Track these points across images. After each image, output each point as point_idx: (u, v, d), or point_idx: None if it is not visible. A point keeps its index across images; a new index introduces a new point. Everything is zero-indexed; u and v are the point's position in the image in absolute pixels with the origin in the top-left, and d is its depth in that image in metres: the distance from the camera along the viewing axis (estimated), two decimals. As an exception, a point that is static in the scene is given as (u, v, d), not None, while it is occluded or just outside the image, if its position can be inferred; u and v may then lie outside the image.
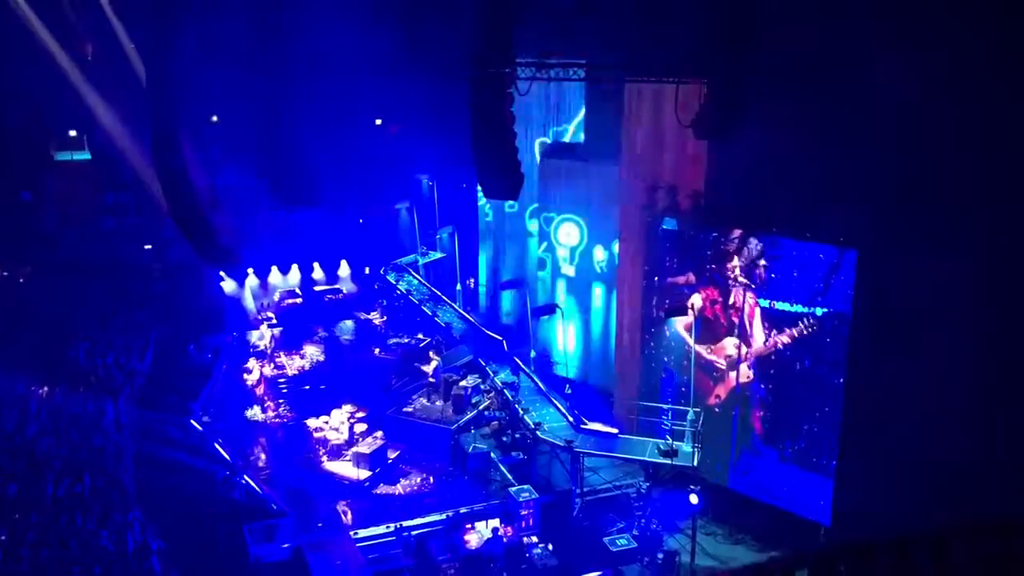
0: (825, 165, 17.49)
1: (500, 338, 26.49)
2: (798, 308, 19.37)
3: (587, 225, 26.03)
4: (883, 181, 17.06)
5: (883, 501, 18.26)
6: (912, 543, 4.32)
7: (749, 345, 20.18)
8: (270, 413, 24.84)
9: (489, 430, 23.59)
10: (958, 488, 17.13)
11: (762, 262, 19.52)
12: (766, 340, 19.92)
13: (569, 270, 26.47)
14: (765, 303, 19.91)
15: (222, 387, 26.27)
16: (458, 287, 30.38)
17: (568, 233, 26.48)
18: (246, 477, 21.03)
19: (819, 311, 18.97)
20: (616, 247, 24.62)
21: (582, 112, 26.89)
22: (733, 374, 20.62)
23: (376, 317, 30.92)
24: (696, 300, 20.81)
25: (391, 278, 31.24)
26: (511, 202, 28.35)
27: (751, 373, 20.38)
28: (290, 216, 14.26)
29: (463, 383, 24.45)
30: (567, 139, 27.49)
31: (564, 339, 26.36)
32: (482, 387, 24.60)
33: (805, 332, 19.19)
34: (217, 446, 22.54)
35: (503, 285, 28.96)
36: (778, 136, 18.00)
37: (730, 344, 20.54)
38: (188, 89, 19.25)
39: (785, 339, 19.59)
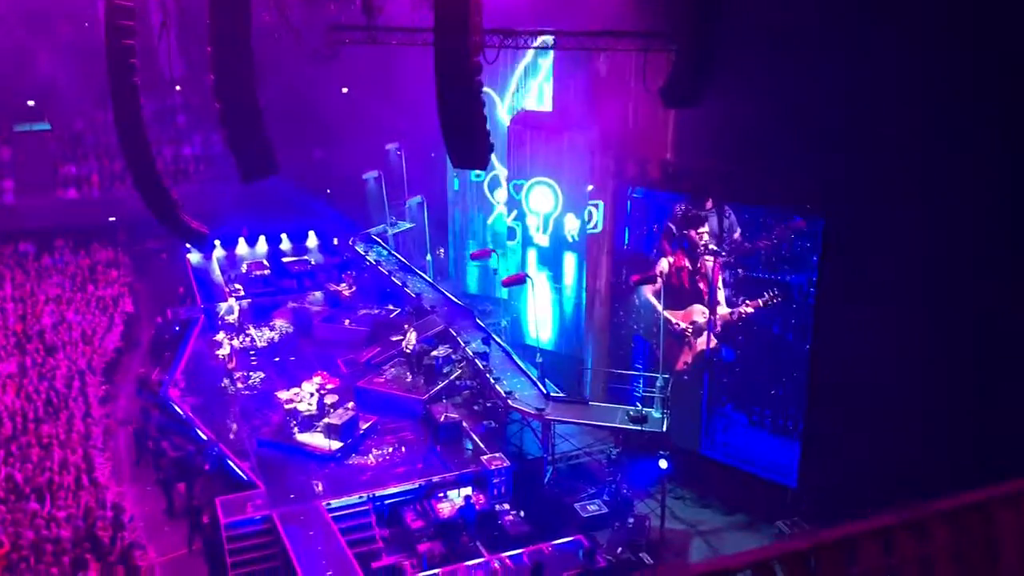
0: (791, 132, 17.62)
1: (469, 307, 26.52)
2: (764, 275, 19.62)
3: (560, 191, 25.93)
4: (849, 147, 17.23)
5: (849, 464, 18.67)
6: (891, 529, 4.38)
7: (715, 312, 20.41)
8: (240, 385, 24.72)
9: (461, 399, 23.68)
10: (924, 452, 17.54)
11: (736, 233, 19.67)
12: (732, 309, 20.16)
13: (541, 239, 26.44)
14: (732, 271, 20.13)
15: (192, 359, 26.12)
16: (428, 257, 30.30)
17: (541, 199, 26.38)
18: (218, 448, 21.01)
19: (786, 278, 19.21)
20: (586, 215, 24.68)
21: (550, 80, 26.76)
22: (700, 340, 20.87)
23: (345, 288, 30.77)
24: (664, 265, 20.99)
25: (360, 248, 31.07)
26: (479, 171, 28.31)
27: (715, 341, 20.65)
28: (256, 186, 14.12)
29: (434, 353, 24.46)
30: (535, 108, 27.37)
31: (535, 309, 26.41)
32: (453, 357, 24.64)
33: (771, 303, 19.44)
34: (189, 417, 22.53)
35: (472, 255, 28.91)
36: (745, 104, 18.10)
37: (697, 311, 20.77)
38: (152, 57, 18.97)
39: (749, 309, 19.84)
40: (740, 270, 20.00)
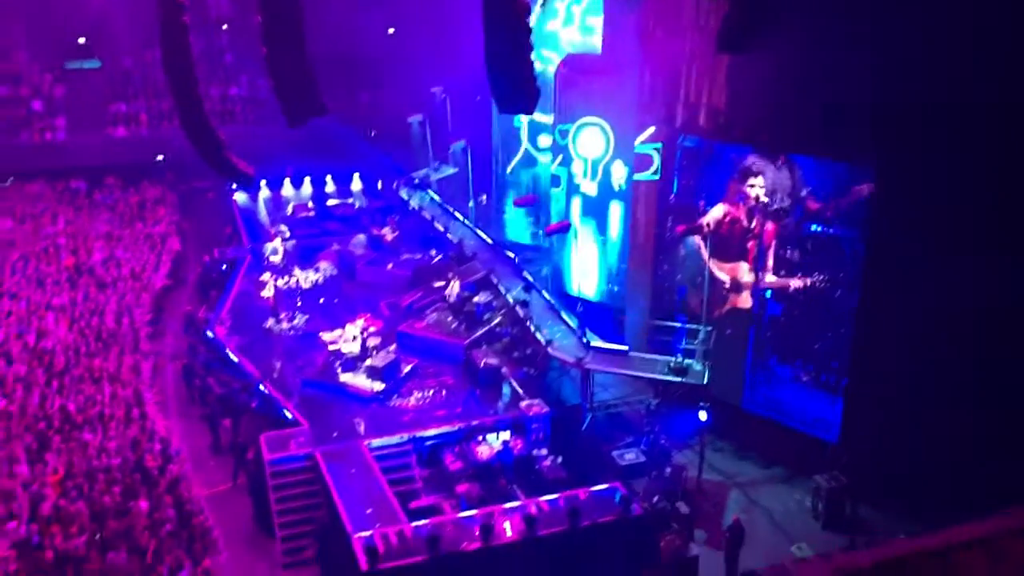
0: (847, 82, 17.11)
1: (512, 255, 26.48)
2: (811, 230, 19.32)
3: (611, 132, 25.31)
4: (902, 97, 16.72)
5: (891, 422, 18.50)
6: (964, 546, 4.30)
7: (763, 272, 20.15)
8: (285, 325, 25.08)
9: (501, 346, 23.79)
10: (971, 413, 17.32)
11: (804, 192, 19.26)
12: (780, 280, 19.85)
13: (589, 187, 25.93)
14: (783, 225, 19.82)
15: (238, 298, 26.55)
16: (471, 203, 30.21)
17: (590, 142, 25.84)
18: (263, 386, 21.43)
19: (836, 232, 18.88)
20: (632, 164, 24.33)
21: (601, 24, 26.19)
22: (742, 296, 20.63)
23: (388, 232, 30.89)
24: (717, 211, 20.69)
25: (403, 193, 31.08)
26: (525, 116, 28.00)
27: (751, 300, 20.44)
28: (303, 129, 14.11)
29: (475, 299, 24.55)
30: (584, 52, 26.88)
31: (578, 257, 26.26)
32: (494, 304, 24.71)
33: (818, 284, 19.16)
34: (234, 355, 22.97)
35: (516, 202, 28.79)
36: (801, 51, 17.59)
37: (743, 269, 20.49)
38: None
39: (798, 283, 19.55)
40: (790, 221, 19.67)
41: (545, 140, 28.63)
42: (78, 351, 21.91)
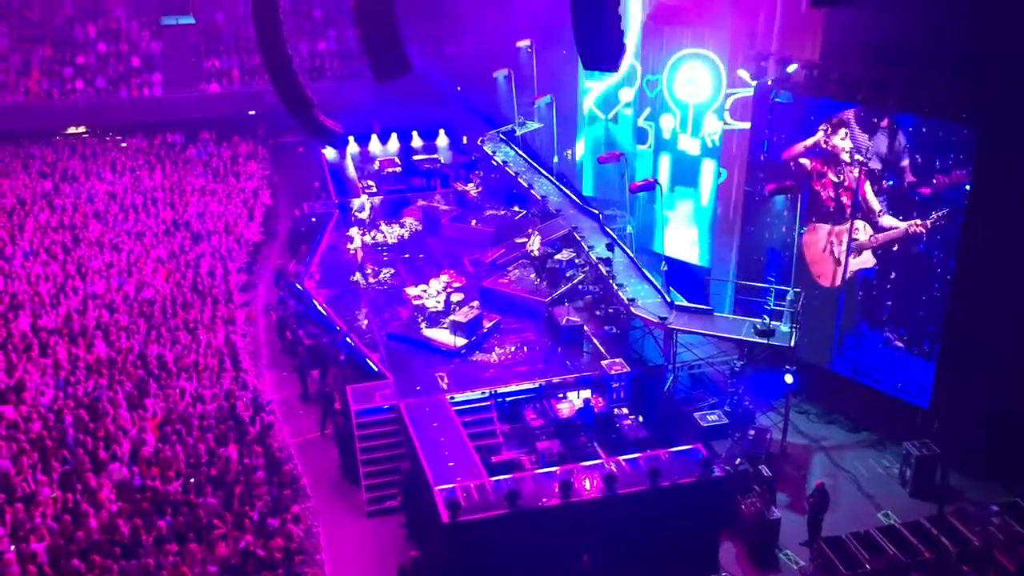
0: (948, 36, 16.28)
1: (596, 211, 26.26)
2: (910, 189, 18.55)
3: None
4: (1007, 56, 15.83)
5: (985, 389, 17.87)
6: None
7: (871, 224, 19.43)
8: (371, 280, 25.53)
9: (583, 304, 23.75)
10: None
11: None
12: (906, 223, 19.03)
13: (687, 142, 25.03)
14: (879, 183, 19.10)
15: (327, 253, 27.11)
16: (555, 159, 29.99)
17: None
18: (350, 339, 21.91)
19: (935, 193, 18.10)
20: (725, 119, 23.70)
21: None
22: (856, 260, 19.96)
23: (472, 188, 30.96)
24: (805, 163, 20.07)
25: (488, 148, 31.05)
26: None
27: (874, 260, 19.73)
28: (389, 84, 14.17)
29: (558, 256, 24.49)
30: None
31: (662, 216, 25.86)
32: (577, 261, 24.62)
33: (939, 223, 18.32)
34: (323, 308, 23.52)
35: (600, 159, 28.41)
36: (899, 6, 16.79)
37: (859, 225, 19.73)
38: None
39: (920, 229, 18.72)
40: (886, 183, 18.94)
41: (627, 94, 28.08)
42: (175, 302, 22.73)
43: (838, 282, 20.50)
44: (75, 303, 22.36)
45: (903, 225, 18.93)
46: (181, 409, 18.32)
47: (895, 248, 19.19)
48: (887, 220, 19.29)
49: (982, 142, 17.11)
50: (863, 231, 19.73)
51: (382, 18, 13.63)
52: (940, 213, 18.15)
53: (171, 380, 19.45)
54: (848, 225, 19.92)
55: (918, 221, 18.60)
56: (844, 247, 20.10)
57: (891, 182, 18.78)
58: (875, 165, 19.01)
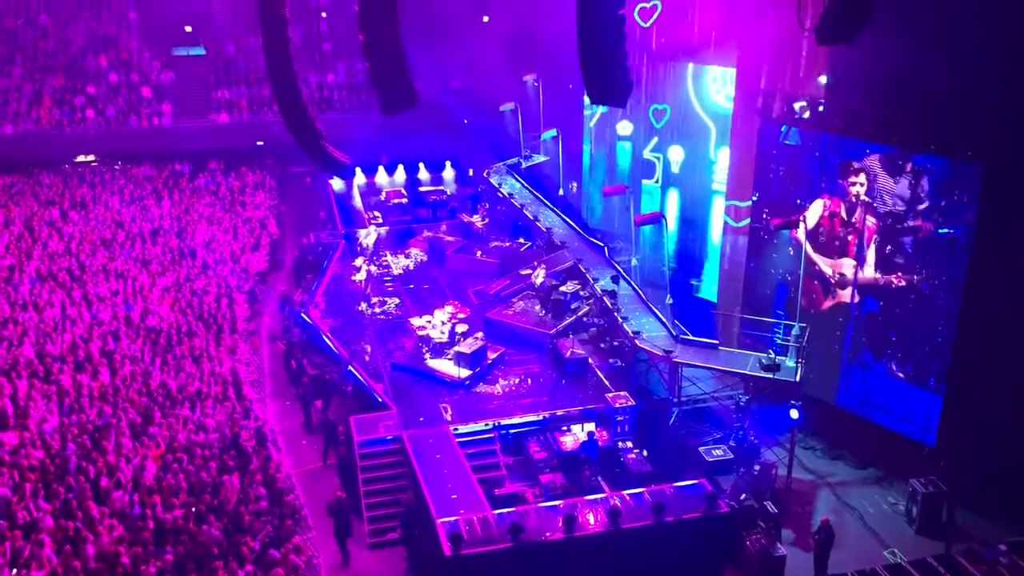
0: (949, 75, 16.42)
1: (602, 244, 26.32)
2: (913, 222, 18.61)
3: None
4: (1013, 94, 15.95)
5: (991, 426, 17.76)
6: None
7: (862, 267, 19.54)
8: (376, 310, 25.55)
9: (588, 336, 23.72)
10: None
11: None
12: (883, 276, 19.15)
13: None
14: (884, 221, 19.14)
15: (332, 282, 27.17)
16: (560, 191, 30.14)
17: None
18: (354, 369, 21.88)
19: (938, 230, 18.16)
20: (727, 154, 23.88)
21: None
22: (845, 292, 20.03)
23: (478, 220, 31.10)
24: (816, 207, 20.15)
25: (494, 180, 31.22)
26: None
27: (858, 296, 19.81)
28: (397, 117, 14.31)
29: (563, 288, 24.52)
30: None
31: (668, 249, 25.92)
32: (582, 293, 24.63)
33: (923, 281, 18.45)
34: (327, 338, 23.52)
35: (605, 192, 28.59)
36: (905, 43, 16.93)
37: (847, 263, 19.88)
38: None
39: (902, 283, 18.88)
40: (892, 221, 19.00)
41: (625, 127, 28.29)
42: (179, 330, 22.76)
43: (823, 308, 20.59)
44: (80, 330, 22.40)
45: (884, 277, 19.22)
46: (184, 438, 18.28)
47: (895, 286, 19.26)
48: (870, 274, 19.52)
49: (987, 180, 17.17)
50: (850, 269, 19.81)
51: (390, 52, 13.77)
52: (927, 272, 18.45)
53: (175, 408, 19.42)
54: (845, 261, 19.99)
55: (900, 276, 18.84)
56: (836, 280, 20.18)
57: (907, 223, 18.80)
58: (883, 206, 19.05)
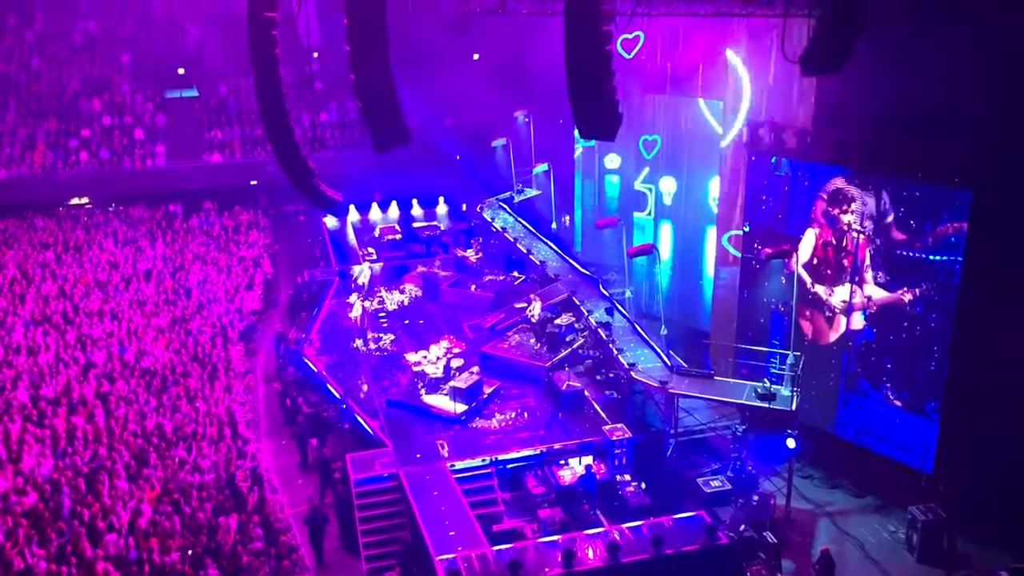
0: (938, 103, 16.64)
1: (595, 277, 26.41)
2: (909, 253, 18.71)
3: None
4: (1003, 120, 16.14)
5: (989, 452, 17.72)
6: None
7: (862, 289, 19.59)
8: (371, 346, 25.54)
9: (583, 368, 23.72)
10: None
11: (889, 218, 18.75)
12: (890, 294, 19.21)
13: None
14: (877, 248, 19.27)
15: (327, 320, 27.17)
16: (553, 225, 30.30)
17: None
18: (349, 406, 21.82)
19: (930, 256, 18.27)
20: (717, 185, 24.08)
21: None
22: (843, 320, 20.07)
23: (472, 254, 31.23)
24: (809, 237, 20.27)
25: (487, 215, 31.39)
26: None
27: (863, 321, 19.84)
28: (389, 153, 14.46)
29: (558, 321, 24.55)
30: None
31: (661, 280, 26.03)
32: (576, 326, 24.67)
33: (926, 293, 18.51)
34: (323, 375, 23.47)
35: (598, 224, 28.74)
36: (888, 73, 17.17)
37: (846, 289, 19.93)
38: (291, 25, 19.56)
39: (907, 296, 18.92)
40: (882, 245, 19.12)
41: (612, 160, 28.53)
42: (174, 370, 22.72)
43: (829, 339, 20.57)
44: (75, 372, 22.33)
45: (892, 295, 19.13)
46: (180, 479, 18.17)
47: (893, 311, 19.27)
48: (872, 290, 19.48)
49: (975, 206, 17.33)
50: (858, 295, 19.84)
51: (382, 90, 13.95)
52: (927, 287, 18.40)
53: (170, 450, 19.33)
54: (841, 287, 20.06)
55: (906, 289, 18.84)
56: (839, 307, 20.21)
57: (899, 251, 18.92)
58: (876, 234, 19.18)
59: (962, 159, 17.21)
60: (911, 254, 18.63)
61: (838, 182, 19.61)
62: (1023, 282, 16.55)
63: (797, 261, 20.11)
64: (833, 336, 20.53)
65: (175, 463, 18.75)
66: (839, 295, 20.14)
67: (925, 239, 18.32)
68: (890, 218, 18.79)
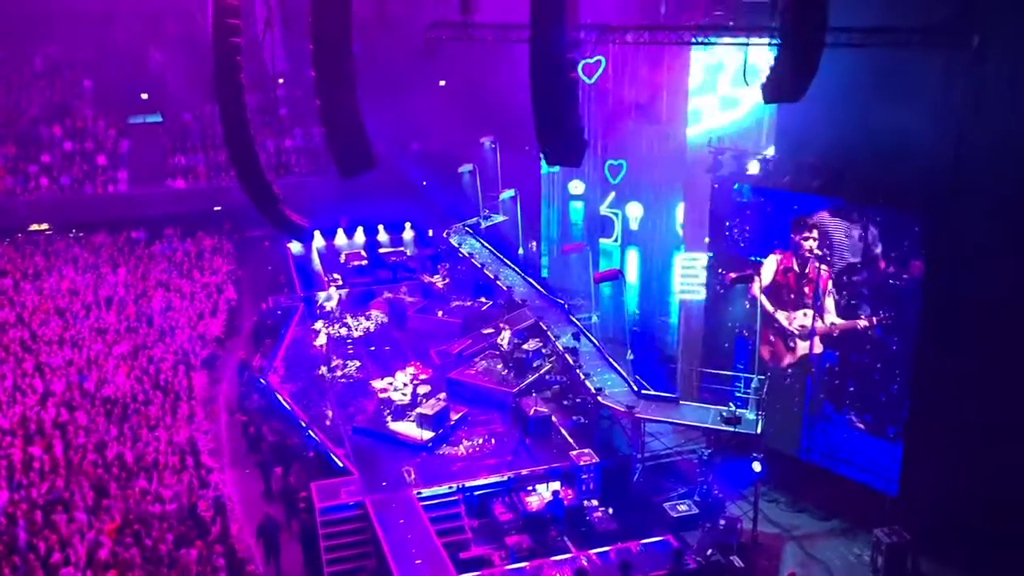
0: (898, 131, 16.98)
1: (562, 301, 26.47)
2: (873, 278, 19.00)
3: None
4: (959, 148, 16.53)
5: (952, 475, 17.92)
6: None
7: (822, 318, 19.83)
8: (337, 373, 25.32)
9: (550, 394, 23.70)
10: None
11: (851, 243, 19.01)
12: (848, 321, 19.46)
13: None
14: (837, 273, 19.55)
15: (291, 346, 26.91)
16: (520, 250, 30.36)
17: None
18: (314, 433, 21.58)
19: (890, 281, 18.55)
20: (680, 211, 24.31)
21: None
22: (804, 344, 20.28)
23: (439, 280, 31.16)
24: (771, 262, 20.48)
25: (454, 241, 31.38)
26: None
27: (822, 347, 20.07)
28: (355, 179, 14.44)
29: (525, 346, 24.54)
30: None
31: (627, 305, 26.12)
32: (544, 351, 24.67)
33: (884, 322, 18.80)
34: (287, 403, 23.21)
35: (564, 249, 28.88)
36: (850, 101, 17.53)
37: (806, 315, 20.14)
38: (256, 51, 19.52)
39: (863, 323, 19.20)
40: (843, 271, 19.40)
41: (576, 186, 28.74)
42: (136, 399, 22.34)
43: (785, 363, 20.80)
44: (32, 401, 21.87)
45: (850, 323, 19.41)
46: (141, 510, 17.81)
47: (854, 335, 19.52)
48: (833, 318, 19.75)
49: (934, 231, 17.66)
50: (818, 321, 20.06)
51: (347, 116, 13.92)
52: (885, 314, 18.68)
53: (131, 480, 18.96)
54: (801, 313, 20.29)
55: (863, 317, 19.10)
56: (797, 332, 20.45)
57: (861, 275, 19.18)
58: (837, 259, 19.46)
59: (920, 186, 17.55)
60: (872, 279, 18.90)
61: (796, 210, 19.88)
62: (982, 305, 16.82)
63: (759, 286, 20.31)
64: (789, 360, 20.73)
65: (136, 493, 18.39)
66: (799, 320, 20.36)
67: (886, 264, 18.61)
68: (852, 243, 19.07)
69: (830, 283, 19.68)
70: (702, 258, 22.39)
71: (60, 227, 35.44)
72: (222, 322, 28.47)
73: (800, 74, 14.30)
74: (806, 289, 20.10)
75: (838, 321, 19.71)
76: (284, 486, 20.42)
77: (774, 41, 16.62)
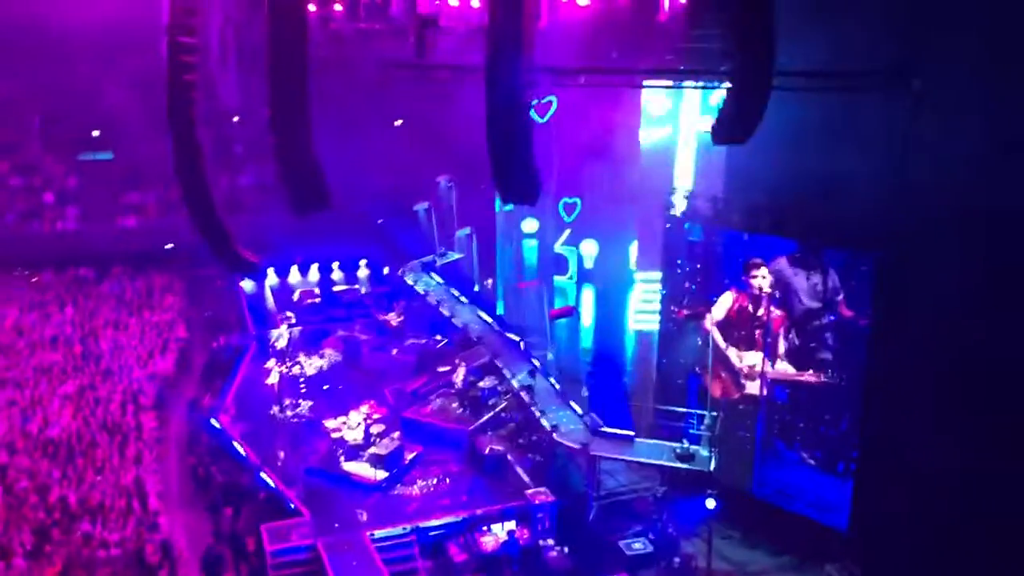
0: (843, 171, 17.44)
1: (517, 339, 26.51)
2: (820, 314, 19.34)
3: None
4: (903, 188, 17.00)
5: (901, 510, 18.18)
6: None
7: (773, 359, 20.11)
8: (289, 413, 24.95)
9: (506, 432, 23.62)
10: (981, 499, 17.01)
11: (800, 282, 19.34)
12: (797, 372, 19.77)
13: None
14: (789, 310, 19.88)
15: (243, 386, 26.48)
16: (476, 288, 30.41)
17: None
18: (265, 474, 21.21)
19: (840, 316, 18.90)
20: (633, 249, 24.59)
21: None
22: (753, 384, 20.52)
23: (394, 318, 31.01)
24: (726, 299, 20.74)
25: (409, 279, 31.33)
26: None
27: (766, 389, 20.35)
28: (309, 216, 14.42)
29: (480, 384, 24.48)
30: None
31: (582, 342, 26.30)
32: (499, 389, 24.62)
33: (832, 380, 19.15)
34: (238, 443, 22.80)
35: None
36: (797, 141, 17.96)
37: (755, 357, 20.43)
38: (211, 88, 19.46)
39: (811, 379, 19.51)
40: (793, 308, 19.74)
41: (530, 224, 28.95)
42: (81, 439, 21.80)
43: (734, 397, 21.03)
44: (-28, 444, 21.26)
45: (797, 374, 19.79)
46: (84, 555, 17.30)
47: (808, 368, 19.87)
48: (783, 366, 20.03)
49: (880, 270, 18.08)
50: (768, 367, 20.36)
51: (302, 153, 13.96)
52: (834, 374, 19.17)
53: (74, 524, 18.43)
54: (752, 354, 20.57)
55: (810, 373, 19.50)
56: (746, 372, 20.72)
57: (819, 322, 19.52)
58: (799, 305, 19.80)
59: (867, 224, 17.98)
60: (835, 324, 19.22)
61: (745, 252, 20.25)
62: (929, 343, 17.19)
63: (712, 321, 20.55)
64: (737, 395, 20.96)
65: (80, 538, 17.87)
66: (748, 360, 20.63)
67: (834, 302, 18.98)
68: (811, 289, 19.41)
69: (782, 328, 19.99)
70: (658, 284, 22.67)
71: (5, 264, 34.66)
72: (172, 361, 27.97)
73: (748, 116, 14.68)
74: (757, 331, 20.39)
75: (790, 370, 20.01)
76: (233, 528, 20.00)
77: (724, 84, 17.03)
